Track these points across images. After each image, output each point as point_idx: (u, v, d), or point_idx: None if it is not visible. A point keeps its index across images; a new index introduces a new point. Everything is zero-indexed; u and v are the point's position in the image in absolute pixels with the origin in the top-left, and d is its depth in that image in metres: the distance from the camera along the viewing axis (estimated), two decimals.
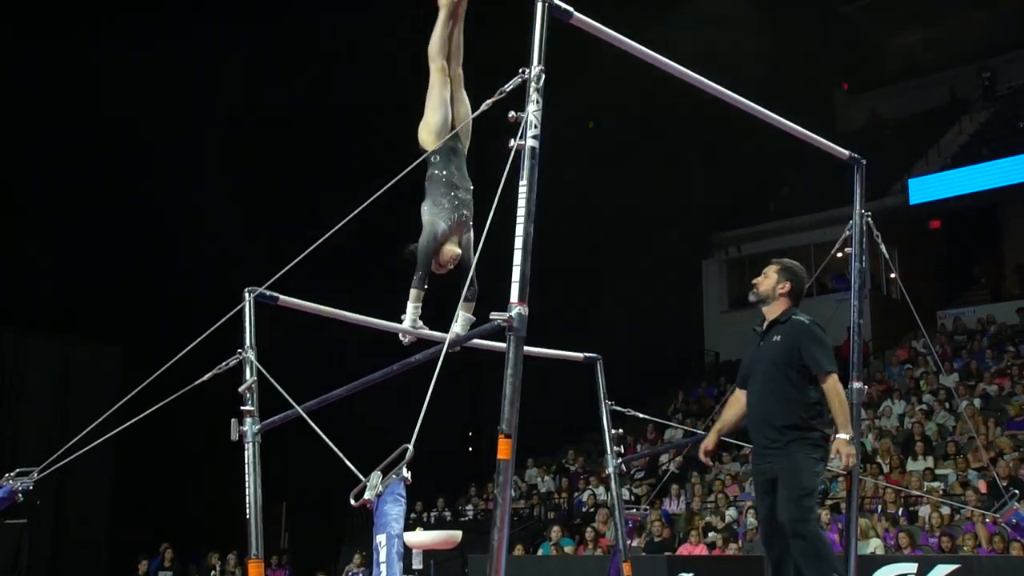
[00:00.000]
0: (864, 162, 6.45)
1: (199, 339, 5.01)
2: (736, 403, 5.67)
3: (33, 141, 18.17)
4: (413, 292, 5.28)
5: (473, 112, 4.30)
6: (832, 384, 5.27)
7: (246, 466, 4.89)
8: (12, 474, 4.93)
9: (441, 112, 5.58)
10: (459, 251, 5.38)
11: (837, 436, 5.28)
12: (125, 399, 5.13)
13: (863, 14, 29.95)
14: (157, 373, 5.05)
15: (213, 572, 16.19)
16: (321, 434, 4.27)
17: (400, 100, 20.98)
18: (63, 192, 18.45)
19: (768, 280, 5.58)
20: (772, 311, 5.55)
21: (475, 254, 4.69)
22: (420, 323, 5.31)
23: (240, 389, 4.96)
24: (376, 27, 20.21)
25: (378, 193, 4.46)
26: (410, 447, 3.47)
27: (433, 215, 5.37)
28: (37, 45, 17.74)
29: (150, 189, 18.53)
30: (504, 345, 3.76)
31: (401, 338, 5.33)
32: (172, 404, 5.19)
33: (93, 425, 5.05)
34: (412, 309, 5.27)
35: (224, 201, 19.04)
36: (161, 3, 19.24)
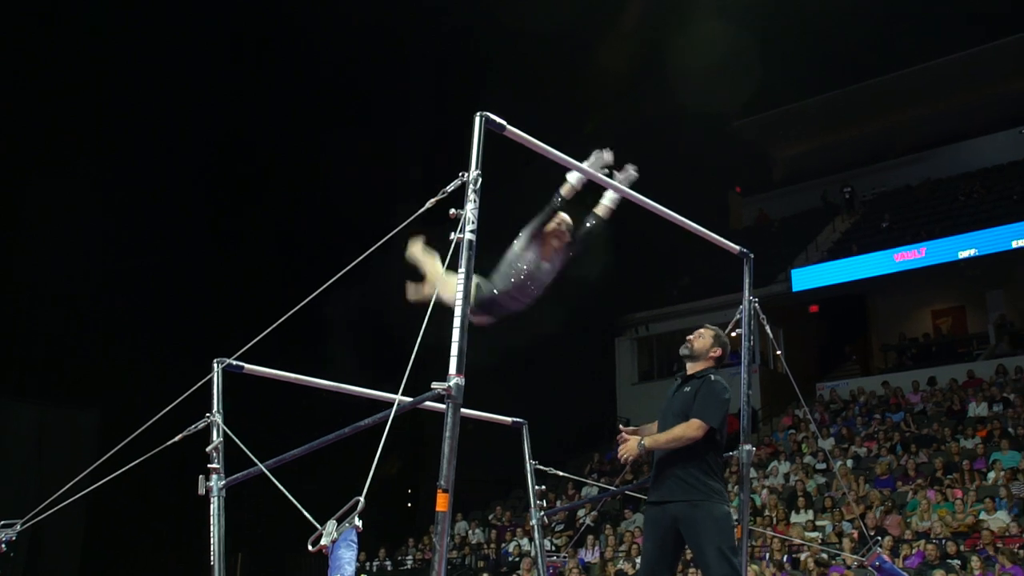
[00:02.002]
0: (752, 255, 6.61)
1: (171, 406, 4.95)
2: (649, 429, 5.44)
3: (19, 217, 17.84)
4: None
5: (419, 209, 4.35)
6: (695, 426, 5.03)
7: (211, 518, 4.82)
8: None
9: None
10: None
11: (642, 439, 5.08)
12: (102, 459, 5.01)
13: (753, 129, 30.81)
14: (131, 437, 4.95)
15: None
16: (282, 489, 4.25)
17: (364, 175, 21.03)
18: (43, 260, 18.06)
19: (704, 341, 5.48)
20: (696, 367, 5.44)
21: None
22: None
23: (207, 449, 4.91)
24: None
25: (346, 269, 4.49)
26: (361, 499, 3.49)
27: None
28: None
29: (127, 259, 18.28)
30: (443, 407, 3.82)
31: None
32: (145, 462, 5.10)
33: (72, 483, 4.93)
34: None
35: (195, 272, 18.85)
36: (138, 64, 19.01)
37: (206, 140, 19.57)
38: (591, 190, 5.48)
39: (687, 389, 5.32)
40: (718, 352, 5.49)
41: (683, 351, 5.53)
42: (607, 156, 5.30)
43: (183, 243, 19.05)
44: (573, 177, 5.25)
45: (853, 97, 28.40)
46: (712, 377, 5.33)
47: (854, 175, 28.29)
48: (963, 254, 21.69)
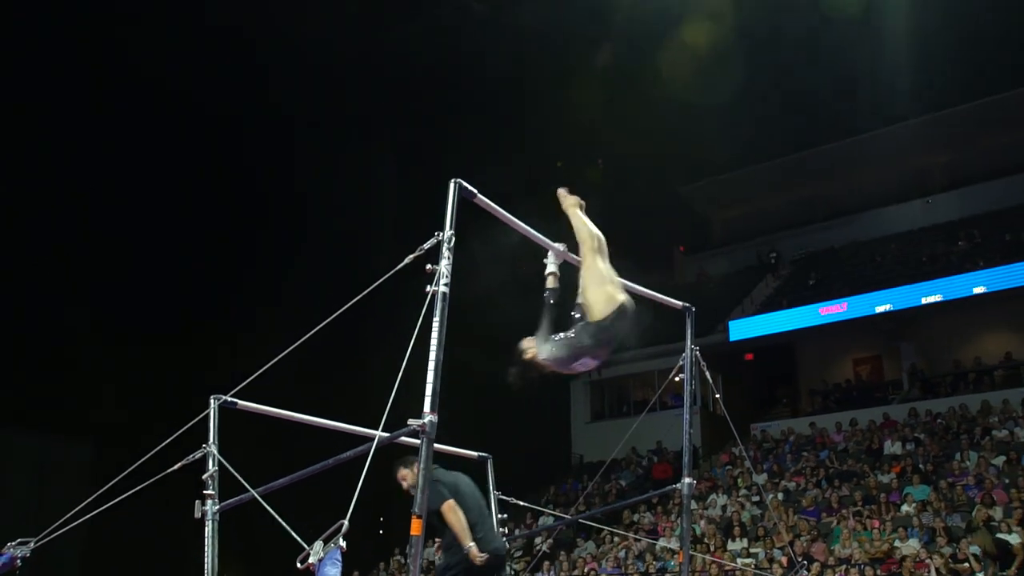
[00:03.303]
0: (693, 309, 6.77)
1: (172, 437, 4.94)
2: None
3: (22, 254, 17.46)
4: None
5: (397, 264, 4.43)
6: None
7: (206, 540, 4.81)
8: (13, 543, 4.73)
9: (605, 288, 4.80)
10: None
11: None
12: (108, 486, 4.97)
13: (695, 194, 31.24)
14: (136, 465, 4.93)
15: None
16: (273, 512, 4.28)
17: (349, 231, 20.89)
18: (41, 302, 17.72)
19: (410, 476, 5.90)
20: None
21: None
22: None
23: (204, 477, 4.92)
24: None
25: (331, 317, 4.55)
26: (346, 522, 3.54)
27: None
28: None
29: (122, 297, 18.01)
30: (418, 442, 3.88)
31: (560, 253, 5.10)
32: (137, 487, 5.05)
33: (79, 507, 4.88)
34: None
35: (185, 307, 18.61)
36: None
37: (204, 200, 19.43)
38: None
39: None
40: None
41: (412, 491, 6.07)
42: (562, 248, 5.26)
43: (177, 288, 18.87)
44: (552, 265, 5.21)
45: (783, 168, 28.98)
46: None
47: (784, 236, 28.74)
48: (880, 309, 22.05)
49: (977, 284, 20.93)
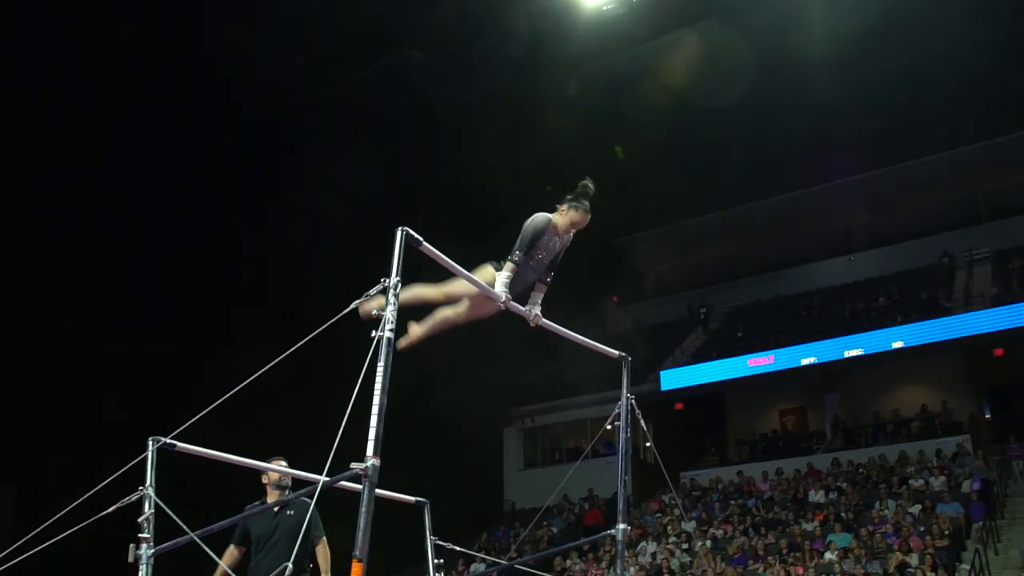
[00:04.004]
0: (630, 359, 6.83)
1: (108, 480, 4.79)
2: (230, 557, 5.46)
3: None
4: (510, 265, 5.12)
5: (343, 310, 4.42)
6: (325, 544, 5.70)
7: None
8: None
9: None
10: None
11: None
12: (39, 529, 4.79)
13: (629, 247, 31.72)
14: (70, 507, 4.77)
15: None
16: (213, 555, 4.20)
17: (297, 259, 20.44)
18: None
19: (273, 475, 5.84)
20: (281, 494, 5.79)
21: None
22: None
23: (139, 520, 4.79)
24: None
25: (275, 361, 4.51)
26: (290, 565, 3.51)
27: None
28: None
29: (48, 337, 17.40)
30: (360, 487, 3.85)
31: (501, 304, 5.10)
32: (66, 531, 4.90)
33: (5, 553, 4.70)
34: (505, 277, 5.06)
35: (117, 352, 18.08)
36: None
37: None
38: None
39: (290, 513, 5.63)
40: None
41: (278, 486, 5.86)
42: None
43: (107, 315, 18.30)
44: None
45: (714, 223, 29.68)
46: (309, 500, 5.47)
47: (714, 290, 29.31)
48: (805, 361, 22.56)
49: (896, 339, 21.58)
